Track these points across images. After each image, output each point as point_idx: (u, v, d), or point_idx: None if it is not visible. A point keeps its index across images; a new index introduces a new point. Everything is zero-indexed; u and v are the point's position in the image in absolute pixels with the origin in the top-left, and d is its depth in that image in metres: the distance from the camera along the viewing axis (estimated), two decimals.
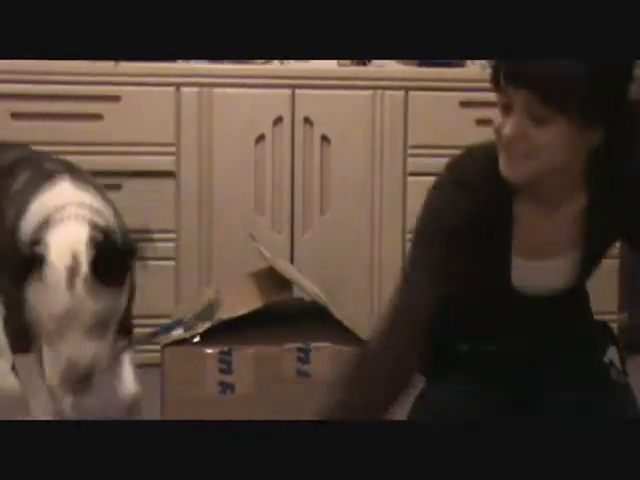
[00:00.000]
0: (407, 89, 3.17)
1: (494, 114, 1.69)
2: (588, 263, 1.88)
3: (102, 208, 1.94)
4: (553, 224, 1.81)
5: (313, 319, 2.05)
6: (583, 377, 1.91)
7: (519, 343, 1.94)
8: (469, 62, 3.22)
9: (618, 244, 3.16)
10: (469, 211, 1.76)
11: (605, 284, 3.20)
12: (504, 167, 1.70)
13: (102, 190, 2.09)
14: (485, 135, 3.24)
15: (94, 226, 1.82)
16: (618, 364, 1.99)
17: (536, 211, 1.80)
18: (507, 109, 1.66)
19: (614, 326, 3.17)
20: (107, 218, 1.91)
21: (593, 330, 2.03)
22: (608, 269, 3.21)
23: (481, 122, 3.06)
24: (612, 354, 1.99)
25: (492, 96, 3.26)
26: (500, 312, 1.88)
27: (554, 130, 1.63)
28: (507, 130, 1.65)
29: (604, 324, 2.08)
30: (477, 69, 3.14)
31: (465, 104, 3.10)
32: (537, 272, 1.85)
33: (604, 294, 3.19)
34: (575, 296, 1.94)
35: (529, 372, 1.95)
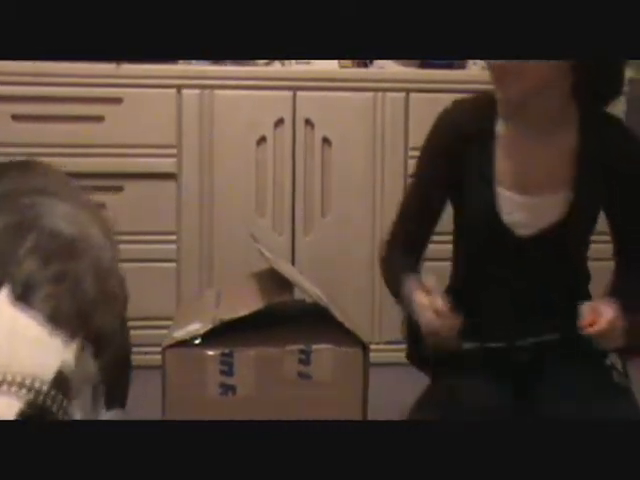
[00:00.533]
0: (408, 91, 3.17)
1: None
2: (578, 205, 1.91)
3: (44, 352, 1.51)
4: (543, 156, 1.88)
5: (314, 321, 2.05)
6: (585, 379, 1.91)
7: (519, 336, 1.95)
8: (470, 63, 3.22)
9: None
10: (452, 137, 1.94)
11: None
12: (498, 90, 1.84)
13: (55, 297, 1.55)
14: None
15: (25, 402, 1.43)
16: (619, 367, 2.00)
17: (526, 138, 1.89)
18: None
19: None
20: (46, 375, 1.49)
21: None
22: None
23: None
24: (613, 357, 2.00)
25: None
26: (495, 257, 1.95)
27: None
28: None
29: None
30: (478, 70, 3.14)
31: None
32: (526, 208, 1.91)
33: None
34: (569, 242, 1.96)
35: (530, 372, 1.95)
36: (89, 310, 1.59)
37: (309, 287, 2.08)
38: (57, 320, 1.51)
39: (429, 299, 1.76)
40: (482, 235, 1.96)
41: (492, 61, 1.82)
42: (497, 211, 1.91)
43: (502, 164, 1.92)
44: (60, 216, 1.64)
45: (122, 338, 1.83)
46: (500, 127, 1.92)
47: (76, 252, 1.60)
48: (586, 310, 1.75)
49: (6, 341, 1.47)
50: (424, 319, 1.77)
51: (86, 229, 1.67)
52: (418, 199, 2.03)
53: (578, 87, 1.85)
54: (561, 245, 1.93)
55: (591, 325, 1.73)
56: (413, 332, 2.01)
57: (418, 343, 1.95)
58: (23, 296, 1.49)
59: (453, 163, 1.94)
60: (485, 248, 1.96)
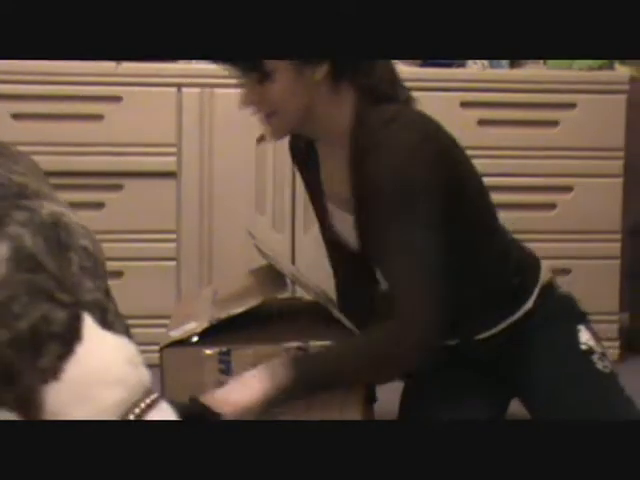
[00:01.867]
0: (408, 89, 3.17)
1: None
2: (364, 224, 1.85)
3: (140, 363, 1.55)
4: (342, 170, 1.84)
5: (313, 318, 2.05)
6: (561, 370, 1.84)
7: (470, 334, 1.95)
8: (470, 62, 3.22)
9: (619, 244, 3.17)
10: (295, 162, 2.05)
11: (606, 285, 3.20)
12: (266, 134, 1.88)
13: None
14: (486, 135, 3.25)
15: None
16: (595, 345, 1.86)
17: (329, 154, 1.89)
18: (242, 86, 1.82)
19: (615, 327, 3.18)
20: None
21: (550, 310, 1.93)
22: (609, 269, 3.21)
23: (482, 122, 3.06)
24: (585, 336, 1.86)
25: (493, 96, 3.24)
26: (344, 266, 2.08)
27: (279, 80, 1.75)
28: (243, 101, 1.82)
29: (563, 298, 1.96)
30: (478, 69, 3.14)
31: (466, 104, 3.09)
32: (346, 224, 1.91)
33: (605, 294, 3.19)
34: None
35: (502, 370, 1.94)
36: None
37: (308, 284, 2.09)
38: (128, 330, 1.59)
39: None
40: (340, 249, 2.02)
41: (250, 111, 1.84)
42: (332, 229, 1.97)
43: (326, 182, 1.93)
44: (82, 232, 1.64)
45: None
46: (318, 145, 1.92)
47: (103, 270, 1.64)
48: None
49: (130, 365, 1.50)
50: None
51: (98, 248, 1.68)
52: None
53: (337, 87, 1.80)
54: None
55: None
56: None
57: None
58: (102, 319, 1.53)
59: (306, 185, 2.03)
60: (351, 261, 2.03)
